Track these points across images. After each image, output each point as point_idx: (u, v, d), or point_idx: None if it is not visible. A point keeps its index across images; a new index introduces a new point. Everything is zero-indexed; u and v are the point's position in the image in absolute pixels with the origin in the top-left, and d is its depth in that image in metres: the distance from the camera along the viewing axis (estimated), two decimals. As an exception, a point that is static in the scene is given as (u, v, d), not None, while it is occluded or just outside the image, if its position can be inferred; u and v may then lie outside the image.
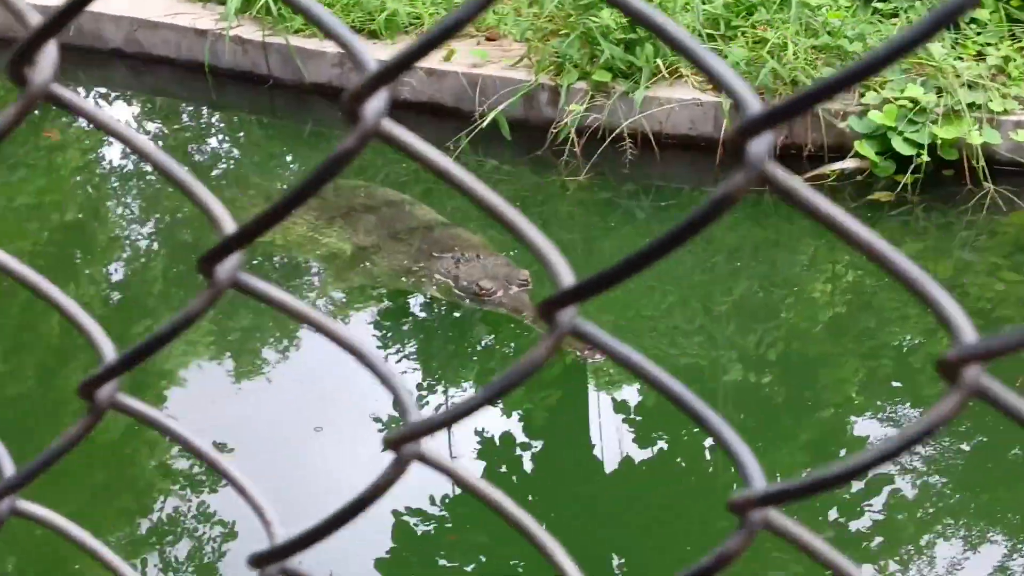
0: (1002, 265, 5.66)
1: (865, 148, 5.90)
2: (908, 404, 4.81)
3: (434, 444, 0.72)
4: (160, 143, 7.81)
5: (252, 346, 5.27)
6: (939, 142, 5.79)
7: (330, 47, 7.37)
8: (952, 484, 4.32)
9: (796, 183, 0.60)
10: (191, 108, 7.92)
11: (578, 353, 4.51)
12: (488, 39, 7.35)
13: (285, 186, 6.71)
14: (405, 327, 5.34)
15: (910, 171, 5.87)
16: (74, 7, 0.63)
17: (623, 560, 3.93)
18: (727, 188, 0.59)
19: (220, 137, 7.74)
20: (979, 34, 6.29)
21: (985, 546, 4.05)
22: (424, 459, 0.70)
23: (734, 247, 6.08)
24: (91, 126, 7.79)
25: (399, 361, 5.02)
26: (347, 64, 7.31)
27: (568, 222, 6.41)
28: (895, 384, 4.93)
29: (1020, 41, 6.28)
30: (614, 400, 4.77)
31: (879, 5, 6.55)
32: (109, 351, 0.79)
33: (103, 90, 8.31)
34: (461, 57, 7.04)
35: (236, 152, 7.52)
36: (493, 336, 5.23)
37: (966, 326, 0.57)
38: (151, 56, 8.10)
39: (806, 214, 0.60)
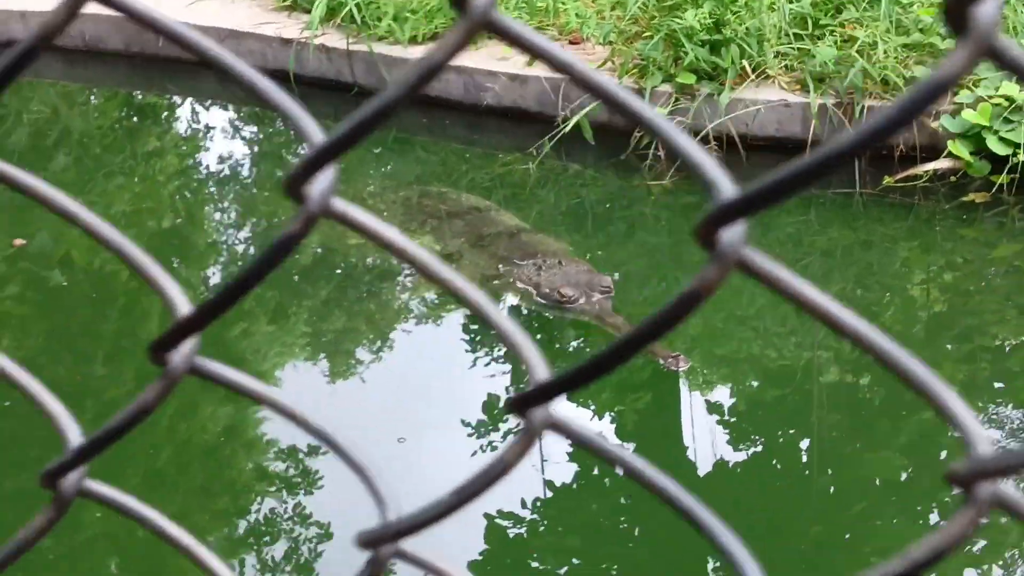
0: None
1: (959, 148, 5.84)
2: (1010, 406, 4.76)
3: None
4: (256, 149, 8.02)
5: (346, 347, 5.39)
6: (1038, 141, 5.72)
7: (413, 54, 7.49)
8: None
9: (780, 271, 0.54)
10: (280, 117, 8.11)
11: (661, 361, 4.54)
12: (571, 43, 7.41)
13: (372, 188, 6.83)
14: (490, 333, 5.42)
15: (1006, 171, 5.80)
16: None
17: (718, 563, 3.96)
18: (698, 283, 0.53)
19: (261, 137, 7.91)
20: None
21: None
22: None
23: (826, 249, 6.06)
24: (187, 133, 8.03)
25: (487, 365, 5.09)
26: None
27: (654, 226, 6.45)
28: (997, 385, 4.89)
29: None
30: (707, 402, 4.79)
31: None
32: (75, 437, 0.75)
33: (191, 99, 8.54)
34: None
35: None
36: (581, 339, 5.28)
37: (980, 435, 0.53)
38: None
39: (792, 301, 0.54)
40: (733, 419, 4.69)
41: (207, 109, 8.43)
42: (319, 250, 6.13)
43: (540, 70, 7.04)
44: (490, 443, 4.59)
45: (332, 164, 0.61)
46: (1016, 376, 4.91)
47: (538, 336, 5.32)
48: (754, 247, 0.55)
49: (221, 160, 7.52)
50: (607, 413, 4.74)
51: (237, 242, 6.59)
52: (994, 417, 4.67)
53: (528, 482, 4.30)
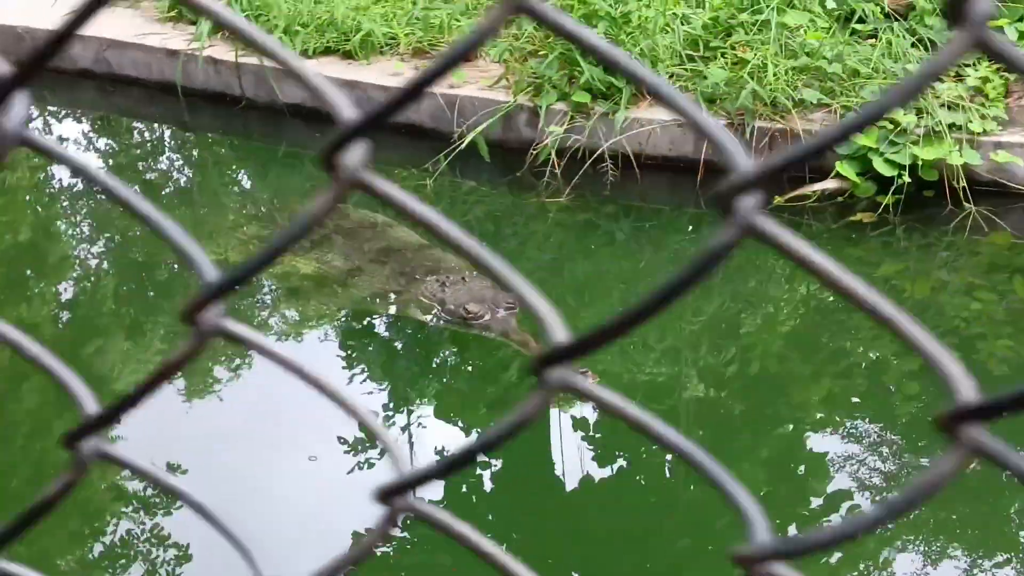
0: (978, 285, 5.76)
1: (846, 169, 5.99)
2: (871, 419, 4.87)
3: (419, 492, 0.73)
4: (126, 163, 7.80)
5: (203, 365, 5.28)
6: (920, 163, 5.90)
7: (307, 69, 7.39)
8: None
9: (788, 236, 0.59)
10: (163, 129, 7.92)
11: None
12: (464, 59, 7.40)
13: (262, 208, 6.72)
14: (371, 347, 5.37)
15: (891, 192, 5.96)
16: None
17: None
18: (716, 245, 0.58)
19: (192, 158, 7.73)
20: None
21: (944, 562, 4.11)
22: (415, 510, 0.71)
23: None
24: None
25: (363, 382, 5.04)
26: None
27: (546, 243, 6.46)
28: (854, 400, 4.99)
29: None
30: (573, 418, 4.81)
31: (857, 26, 6.67)
32: (91, 404, 0.79)
33: (68, 111, 8.29)
34: (438, 78, 7.08)
35: (209, 174, 7.51)
36: (461, 354, 5.27)
37: (965, 382, 0.57)
38: (120, 77, 8.09)
39: (801, 266, 0.59)
40: (598, 435, 4.71)
41: (60, 121, 8.18)
42: (175, 266, 6.00)
43: (435, 86, 7.01)
44: (366, 460, 4.52)
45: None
46: (887, 393, 5.02)
47: (446, 352, 5.29)
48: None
49: (76, 174, 7.32)
50: (475, 430, 4.73)
51: (91, 256, 6.43)
52: (856, 431, 4.78)
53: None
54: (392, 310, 5.37)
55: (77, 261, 6.34)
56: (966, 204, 5.95)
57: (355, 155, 0.65)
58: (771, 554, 0.62)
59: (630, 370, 5.07)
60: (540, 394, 0.65)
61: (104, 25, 8.20)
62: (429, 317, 5.16)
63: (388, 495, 0.71)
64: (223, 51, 7.66)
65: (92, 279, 6.14)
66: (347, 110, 0.66)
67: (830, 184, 6.13)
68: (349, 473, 4.46)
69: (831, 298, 5.72)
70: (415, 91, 0.63)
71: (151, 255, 6.07)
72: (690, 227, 6.46)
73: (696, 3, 6.74)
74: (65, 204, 7.10)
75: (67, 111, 8.28)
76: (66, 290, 5.99)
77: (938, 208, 6.04)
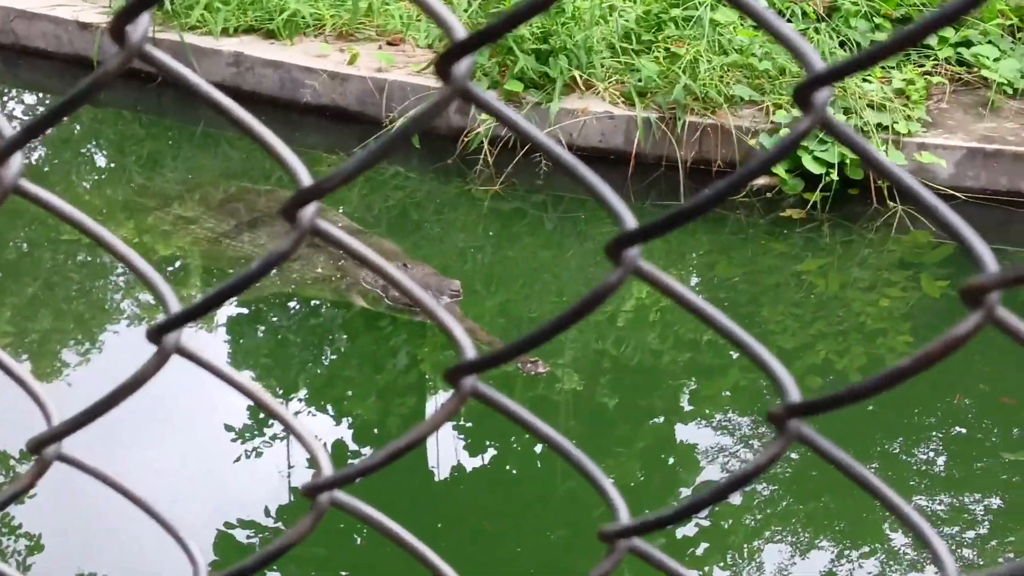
0: (890, 280, 5.95)
1: (776, 166, 6.12)
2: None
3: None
4: (36, 140, 7.56)
5: (51, 348, 5.17)
6: (848, 161, 6.06)
7: (226, 46, 7.26)
8: (780, 491, 4.52)
9: (666, 278, 0.73)
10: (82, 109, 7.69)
11: (520, 367, 4.56)
12: (389, 43, 7.36)
13: (177, 187, 6.57)
14: (264, 331, 5.36)
15: (819, 189, 6.12)
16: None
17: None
18: (607, 285, 0.72)
19: (106, 136, 7.53)
20: (880, 58, 6.61)
21: (812, 552, 4.27)
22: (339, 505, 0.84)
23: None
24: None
25: (260, 368, 5.01)
26: (243, 64, 7.21)
27: (473, 231, 6.47)
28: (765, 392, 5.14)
29: (924, 66, 6.62)
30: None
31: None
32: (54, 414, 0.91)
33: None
34: (364, 61, 7.03)
35: (123, 152, 7.32)
36: (352, 341, 5.28)
37: (791, 385, 0.72)
38: (27, 48, 7.83)
39: (679, 304, 0.75)
40: (470, 424, 4.75)
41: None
42: (25, 246, 5.87)
43: (362, 70, 6.96)
44: (252, 451, 4.50)
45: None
46: (759, 388, 5.15)
47: (396, 340, 5.25)
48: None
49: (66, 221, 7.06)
50: (346, 418, 4.76)
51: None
52: (726, 424, 4.92)
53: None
54: (329, 295, 5.32)
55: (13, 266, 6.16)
56: (891, 203, 6.14)
57: (310, 211, 0.75)
58: (631, 530, 0.79)
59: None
60: (454, 400, 0.77)
61: (10, -6, 7.93)
62: (364, 301, 5.12)
63: (315, 491, 0.81)
64: (138, 26, 7.46)
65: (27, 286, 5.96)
66: (302, 173, 0.77)
67: (760, 180, 6.25)
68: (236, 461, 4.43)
69: (762, 292, 5.87)
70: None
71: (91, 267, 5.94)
72: (609, 219, 6.52)
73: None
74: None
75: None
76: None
77: (864, 207, 6.22)
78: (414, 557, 0.87)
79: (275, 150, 0.78)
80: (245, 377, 0.86)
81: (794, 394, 0.72)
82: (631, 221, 0.73)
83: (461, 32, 0.71)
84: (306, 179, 0.77)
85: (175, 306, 0.82)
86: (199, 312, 0.81)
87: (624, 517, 0.81)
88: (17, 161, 0.77)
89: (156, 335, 0.81)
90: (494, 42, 0.75)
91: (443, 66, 0.70)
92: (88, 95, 0.74)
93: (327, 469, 0.83)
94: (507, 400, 0.80)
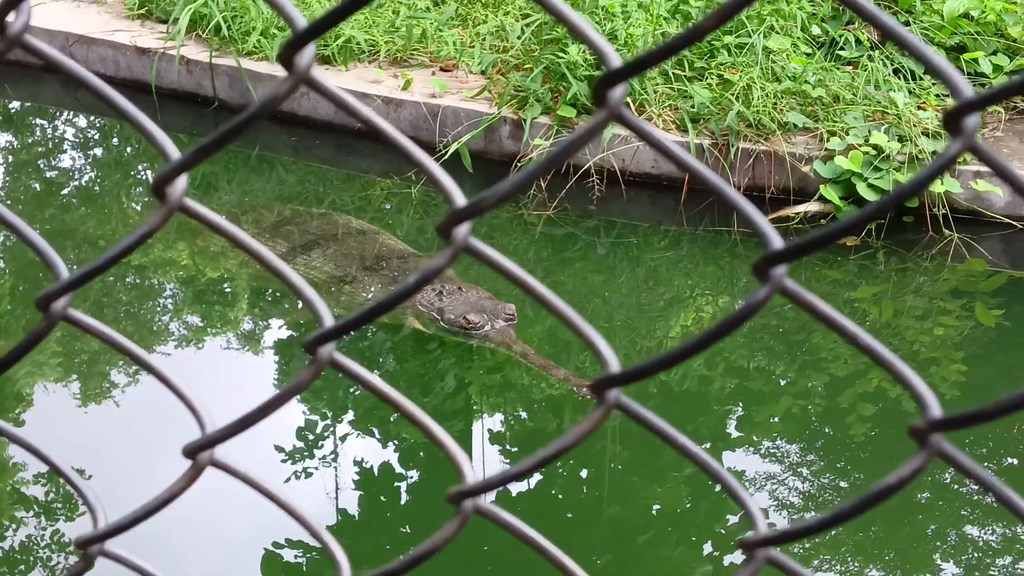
0: (944, 309, 5.94)
1: (830, 192, 6.15)
2: (833, 437, 5.01)
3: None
4: (94, 162, 7.71)
5: (100, 369, 5.27)
6: (902, 189, 6.05)
7: (281, 71, 7.37)
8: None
9: (811, 297, 0.77)
10: (131, 128, 7.84)
11: (575, 389, 4.61)
12: (443, 69, 7.45)
13: (232, 209, 6.68)
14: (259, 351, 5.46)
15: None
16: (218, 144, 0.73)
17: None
18: (753, 302, 0.75)
19: (158, 159, 7.65)
20: (934, 84, 6.63)
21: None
22: None
23: (681, 285, 6.27)
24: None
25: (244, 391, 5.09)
26: (301, 90, 7.32)
27: (525, 256, 6.52)
28: (822, 422, 5.14)
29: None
30: (490, 432, 4.89)
31: (842, 53, 6.85)
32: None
33: (29, 105, 8.17)
34: (418, 86, 7.12)
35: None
36: (401, 364, 5.35)
37: (932, 401, 0.75)
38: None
39: (823, 323, 0.79)
40: (515, 449, 4.77)
41: (22, 116, 8.08)
42: (74, 267, 5.98)
43: (416, 95, 7.05)
44: (302, 471, 4.56)
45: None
46: (844, 411, 5.16)
47: (444, 363, 5.31)
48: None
49: None
50: (392, 442, 4.80)
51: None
52: (776, 451, 4.92)
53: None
54: (386, 318, 5.38)
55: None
56: (946, 231, 6.14)
57: (464, 230, 0.79)
58: (770, 540, 0.81)
59: (537, 386, 5.15)
60: (600, 411, 0.81)
61: (71, 20, 8.11)
62: (420, 324, 5.19)
63: (314, 344, 0.84)
64: (195, 51, 7.62)
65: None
66: (456, 192, 0.80)
67: (813, 207, 6.28)
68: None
69: (762, 321, 5.89)
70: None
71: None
72: (665, 243, 6.57)
73: (680, 24, 6.86)
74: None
75: (29, 105, 8.17)
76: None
77: (919, 235, 6.23)
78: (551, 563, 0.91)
79: (416, 159, 0.83)
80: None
81: (935, 409, 0.74)
82: (777, 240, 0.76)
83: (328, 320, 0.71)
84: (460, 199, 0.80)
85: (328, 319, 0.86)
86: (351, 327, 0.84)
87: (762, 527, 0.83)
88: (182, 181, 0.84)
89: (312, 347, 0.84)
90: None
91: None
92: (254, 120, 0.79)
93: (469, 477, 0.87)
94: (649, 414, 0.85)
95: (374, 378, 0.88)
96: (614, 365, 0.80)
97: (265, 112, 0.79)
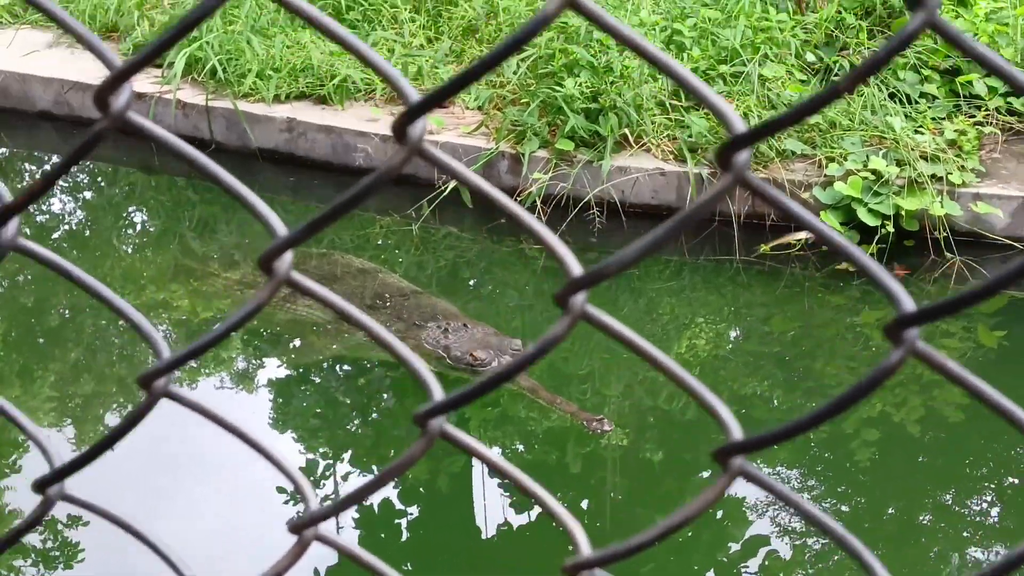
0: (947, 332, 5.97)
1: (830, 218, 6.17)
2: (826, 462, 5.01)
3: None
4: (90, 207, 7.73)
5: (95, 413, 5.27)
6: (903, 213, 6.09)
7: (278, 112, 7.42)
8: (830, 545, 4.52)
9: (946, 360, 0.80)
10: (128, 172, 7.87)
11: (585, 424, 4.61)
12: (439, 106, 7.48)
13: (225, 252, 6.70)
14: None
15: (875, 241, 6.14)
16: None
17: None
18: (887, 366, 0.77)
19: (159, 202, 7.68)
20: (930, 108, 6.66)
21: None
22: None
23: (684, 313, 6.28)
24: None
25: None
26: (296, 129, 7.37)
27: (525, 289, 6.54)
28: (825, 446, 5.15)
29: (975, 116, 6.66)
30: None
31: (837, 79, 6.89)
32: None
33: (25, 153, 8.21)
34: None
35: (177, 218, 7.47)
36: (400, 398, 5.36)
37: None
38: (82, 119, 8.03)
39: (959, 385, 0.81)
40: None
41: (17, 164, 8.11)
42: (67, 312, 5.99)
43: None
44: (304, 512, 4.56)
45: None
46: (848, 437, 5.16)
47: (385, 395, 5.31)
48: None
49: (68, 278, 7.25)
50: (398, 479, 4.79)
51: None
52: (776, 478, 4.93)
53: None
54: (388, 356, 5.39)
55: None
56: (947, 254, 6.16)
57: (580, 298, 0.82)
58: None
59: (537, 418, 5.16)
60: (723, 479, 0.83)
61: (65, 67, 8.15)
62: (431, 363, 5.20)
63: (425, 417, 0.87)
64: (191, 94, 7.66)
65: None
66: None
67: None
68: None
69: (763, 348, 5.92)
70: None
71: (40, 300, 6.10)
72: (667, 273, 6.58)
73: (676, 54, 6.91)
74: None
75: (26, 153, 8.19)
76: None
77: (921, 257, 6.25)
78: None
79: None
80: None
81: (736, 432, 0.79)
82: (908, 301, 0.77)
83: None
84: (576, 268, 0.82)
85: (438, 393, 0.88)
86: (461, 402, 0.86)
87: (735, 435, 0.83)
88: (288, 257, 0.88)
89: (424, 419, 0.87)
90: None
91: (724, 156, 0.76)
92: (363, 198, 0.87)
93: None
94: (771, 480, 0.86)
95: (485, 449, 0.91)
96: (737, 432, 0.82)
97: (379, 186, 0.84)
